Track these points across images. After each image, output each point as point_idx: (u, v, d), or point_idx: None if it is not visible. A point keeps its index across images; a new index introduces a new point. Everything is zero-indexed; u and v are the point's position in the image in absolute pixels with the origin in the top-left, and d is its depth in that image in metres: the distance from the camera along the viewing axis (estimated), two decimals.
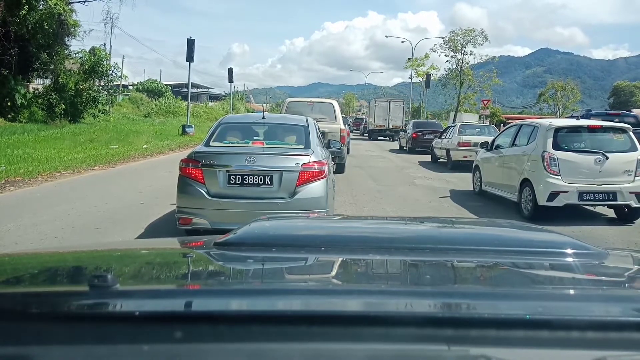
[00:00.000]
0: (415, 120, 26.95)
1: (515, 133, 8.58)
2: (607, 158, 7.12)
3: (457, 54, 36.95)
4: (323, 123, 11.17)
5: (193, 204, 4.96)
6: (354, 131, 33.67)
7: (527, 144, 7.84)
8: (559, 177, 7.08)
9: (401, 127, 29.46)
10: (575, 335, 0.78)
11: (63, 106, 24.84)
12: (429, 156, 17.40)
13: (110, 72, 28.05)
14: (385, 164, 16.20)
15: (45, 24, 23.70)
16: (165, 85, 54.53)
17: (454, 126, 16.51)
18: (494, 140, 9.44)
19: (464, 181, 11.07)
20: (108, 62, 28.80)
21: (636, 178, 7.15)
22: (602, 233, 6.44)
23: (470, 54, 37.10)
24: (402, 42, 49.33)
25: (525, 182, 7.55)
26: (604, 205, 7.45)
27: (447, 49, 37.27)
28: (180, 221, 5.00)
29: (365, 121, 37.54)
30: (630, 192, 7.06)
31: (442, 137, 16.21)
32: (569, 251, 1.33)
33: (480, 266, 1.32)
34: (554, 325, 0.79)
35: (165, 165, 13.07)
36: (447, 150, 14.99)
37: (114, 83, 31.37)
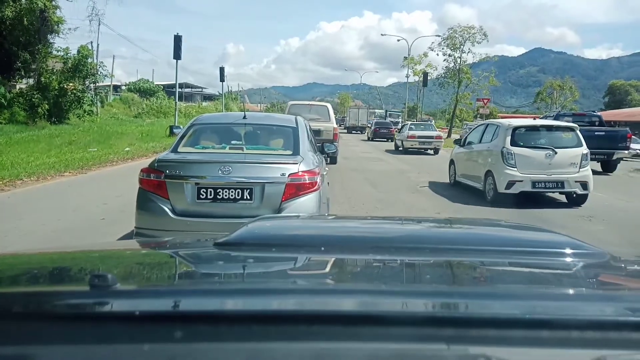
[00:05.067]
0: (376, 120, 40.23)
1: (482, 131, 9.92)
2: (556, 153, 8.40)
3: (455, 52, 35.93)
4: (319, 122, 12.88)
5: (154, 224, 4.10)
6: (340, 126, 44.40)
7: (491, 140, 9.11)
8: (515, 169, 8.33)
9: (366, 125, 42.32)
10: (575, 335, 0.78)
11: (46, 106, 23.66)
12: (430, 157, 20.64)
13: (96, 71, 26.66)
14: (384, 167, 15.16)
15: (24, 19, 22.53)
16: (158, 85, 53.50)
17: (406, 124, 24.91)
18: (465, 138, 10.89)
19: (468, 190, 10.09)
20: (93, 60, 27.58)
21: (581, 169, 8.40)
22: (555, 215, 6.93)
23: (469, 52, 36.10)
24: (398, 40, 48.86)
25: (489, 173, 8.79)
26: (553, 192, 8.87)
27: (445, 46, 36.26)
28: None
29: (346, 119, 50.11)
30: (576, 181, 8.33)
31: (400, 132, 24.23)
32: (569, 251, 1.32)
33: (480, 266, 1.31)
34: (554, 324, 0.79)
35: None
36: (402, 141, 22.32)
37: (99, 83, 30.01)
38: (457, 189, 10.22)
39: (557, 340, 0.77)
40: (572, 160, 8.43)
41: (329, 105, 15.22)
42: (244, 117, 5.03)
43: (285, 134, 4.96)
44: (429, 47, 38.36)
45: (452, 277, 1.27)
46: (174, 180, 4.12)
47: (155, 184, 4.14)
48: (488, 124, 10.16)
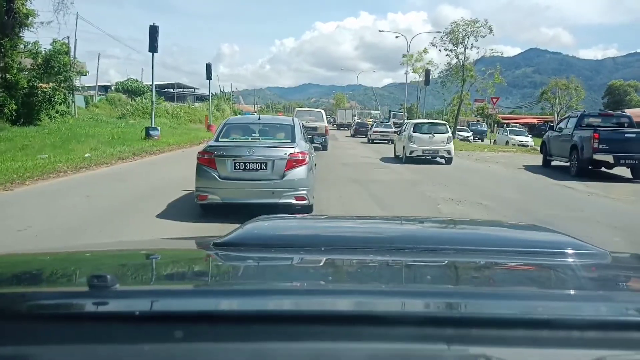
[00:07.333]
0: (357, 121, 47.91)
1: (405, 125, 18.86)
2: (434, 136, 16.80)
3: (458, 47, 33.63)
4: (316, 122, 19.70)
5: (208, 185, 6.54)
6: (333, 124, 52.94)
7: (407, 130, 17.46)
8: (415, 144, 16.68)
9: (351, 123, 50.42)
10: (575, 335, 0.77)
11: (14, 106, 21.24)
12: (386, 145, 26.68)
13: (69, 67, 24.10)
14: (392, 177, 12.64)
15: None
16: (147, 84, 51.03)
17: (373, 124, 37.13)
18: (401, 130, 19.32)
19: (498, 204, 8.44)
20: (67, 56, 25.08)
21: (447, 145, 16.70)
22: (439, 167, 11.04)
23: (472, 47, 33.79)
24: (397, 37, 47.16)
25: (403, 148, 17.22)
26: (434, 157, 16.78)
27: (447, 41, 33.99)
28: (199, 197, 6.58)
29: (336, 119, 61.22)
30: (444, 150, 16.69)
31: (370, 129, 34.04)
32: (570, 251, 1.32)
33: (481, 266, 1.30)
34: (554, 325, 0.78)
35: (92, 184, 9.57)
36: (370, 134, 32.43)
37: (77, 82, 27.46)
38: (393, 159, 17.89)
39: (557, 340, 0.76)
40: (442, 140, 16.66)
41: (322, 111, 23.59)
42: (259, 119, 8.28)
43: (286, 129, 7.46)
44: (431, 43, 36.20)
45: (452, 277, 1.26)
46: (219, 158, 6.56)
47: (207, 160, 6.58)
48: (408, 122, 19.67)
